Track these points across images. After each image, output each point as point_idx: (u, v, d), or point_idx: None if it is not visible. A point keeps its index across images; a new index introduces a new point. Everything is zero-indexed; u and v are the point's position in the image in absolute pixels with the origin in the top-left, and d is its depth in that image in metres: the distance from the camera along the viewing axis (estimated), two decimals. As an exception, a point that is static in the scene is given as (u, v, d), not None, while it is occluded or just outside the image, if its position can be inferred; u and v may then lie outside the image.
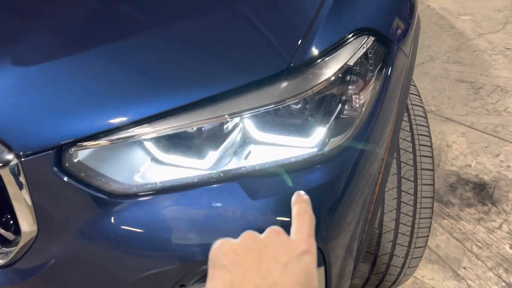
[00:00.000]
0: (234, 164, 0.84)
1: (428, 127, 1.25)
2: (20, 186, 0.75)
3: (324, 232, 0.87)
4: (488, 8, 3.94)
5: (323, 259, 0.88)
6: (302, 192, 0.63)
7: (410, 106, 1.26)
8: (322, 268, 0.89)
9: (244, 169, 0.83)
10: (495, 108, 2.63)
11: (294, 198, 0.62)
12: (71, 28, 0.81)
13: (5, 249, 0.87)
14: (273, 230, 0.53)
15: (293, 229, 0.56)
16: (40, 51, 0.76)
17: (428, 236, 1.26)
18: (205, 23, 0.82)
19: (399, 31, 1.04)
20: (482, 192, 2.05)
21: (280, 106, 0.85)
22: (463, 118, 2.56)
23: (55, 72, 0.75)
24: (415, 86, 1.35)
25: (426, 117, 1.26)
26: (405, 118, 1.23)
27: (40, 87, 0.74)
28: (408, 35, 1.07)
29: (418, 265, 1.32)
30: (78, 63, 0.76)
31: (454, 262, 1.73)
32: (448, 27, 3.67)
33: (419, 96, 1.31)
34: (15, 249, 0.83)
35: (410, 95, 1.29)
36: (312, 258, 0.52)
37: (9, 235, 0.85)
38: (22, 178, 0.74)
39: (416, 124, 1.23)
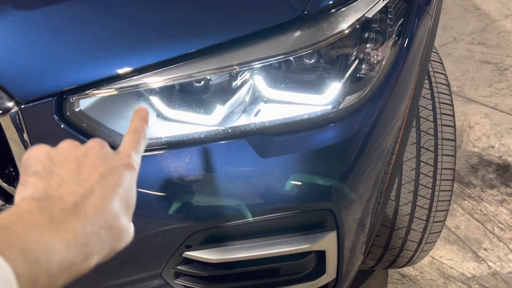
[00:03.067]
0: (243, 121, 0.80)
1: (450, 95, 1.19)
2: (21, 135, 0.72)
3: (335, 197, 0.82)
4: (516, -10, 3.78)
5: (335, 223, 0.84)
6: (142, 108, 0.59)
7: (432, 74, 1.19)
8: (334, 233, 0.84)
9: (253, 125, 0.79)
10: (521, 90, 2.52)
11: (133, 114, 0.58)
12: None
13: (8, 206, 0.85)
14: (96, 141, 0.50)
15: (121, 144, 0.52)
16: (41, -6, 0.73)
17: (447, 210, 1.20)
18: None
19: (422, -12, 0.97)
20: (505, 174, 1.97)
21: (292, 59, 0.81)
22: (487, 99, 2.46)
23: (56, 17, 0.72)
24: (438, 54, 1.29)
25: (448, 85, 1.20)
26: (426, 85, 1.16)
27: (41, 32, 0.71)
28: (431, -7, 1.00)
29: (436, 241, 1.27)
30: (80, 8, 0.72)
31: (474, 243, 1.67)
32: (473, 8, 3.54)
33: (442, 63, 1.25)
34: (18, 205, 0.81)
35: (432, 62, 1.22)
36: (133, 173, 0.50)
37: (12, 190, 0.82)
38: (22, 126, 0.71)
39: (438, 92, 1.17)
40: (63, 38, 0.71)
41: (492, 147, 2.12)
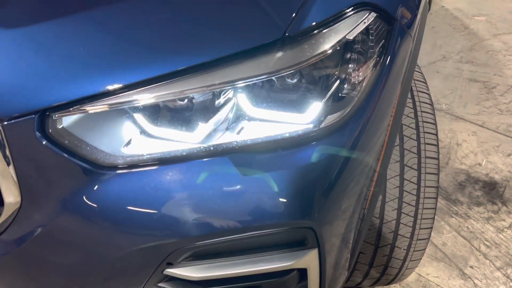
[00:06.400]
0: (225, 139, 0.81)
1: (434, 114, 1.20)
2: (3, 152, 0.73)
3: (317, 215, 0.83)
4: (504, 10, 3.86)
5: (316, 241, 0.84)
6: None
7: (415, 93, 1.21)
8: (316, 251, 0.85)
9: (235, 143, 0.80)
10: (508, 108, 2.56)
11: None
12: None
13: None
14: None
15: None
16: (26, 14, 0.75)
17: (431, 227, 1.21)
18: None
19: (404, 11, 1.00)
20: (492, 191, 1.98)
21: (275, 78, 0.82)
22: (474, 117, 2.50)
23: (40, 35, 0.73)
24: (422, 73, 1.31)
25: (432, 104, 1.22)
26: (410, 104, 1.18)
27: (25, 51, 0.72)
28: (412, 15, 1.03)
29: (421, 258, 1.27)
30: (64, 27, 0.73)
31: (460, 260, 1.67)
32: (461, 28, 3.60)
33: (426, 83, 1.27)
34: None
35: (416, 81, 1.24)
36: None
37: (-7, 206, 0.82)
38: (4, 143, 0.72)
39: (421, 111, 1.19)
40: (46, 57, 0.72)
41: (479, 164, 2.14)
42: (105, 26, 0.74)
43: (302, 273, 0.89)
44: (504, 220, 1.84)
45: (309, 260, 0.85)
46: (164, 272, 0.83)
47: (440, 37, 3.46)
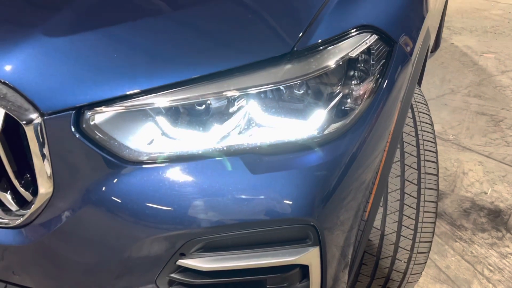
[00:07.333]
0: (237, 141, 0.90)
1: (433, 134, 1.28)
2: (42, 144, 0.82)
3: (319, 212, 0.90)
4: (513, 48, 3.96)
5: (318, 239, 0.91)
6: None
7: (416, 113, 1.30)
8: (317, 249, 0.91)
9: (246, 145, 0.88)
10: (515, 140, 2.61)
11: None
12: (97, 6, 0.90)
13: (23, 211, 0.93)
14: None
15: None
16: (68, 25, 0.86)
17: (431, 242, 1.26)
18: (218, 5, 0.90)
19: (405, 35, 1.09)
20: (496, 219, 2.02)
21: (283, 89, 0.91)
22: (481, 148, 2.55)
23: (80, 43, 0.84)
24: (423, 96, 1.39)
25: (432, 125, 1.29)
26: (411, 124, 1.26)
27: (66, 55, 0.82)
28: (413, 40, 1.12)
29: (421, 272, 1.32)
30: (98, 38, 0.84)
31: (463, 283, 1.70)
32: (470, 64, 3.71)
33: (427, 105, 1.35)
34: (31, 210, 0.90)
35: (417, 103, 1.33)
36: None
37: (28, 196, 0.91)
38: (44, 136, 0.81)
39: (422, 130, 1.27)
40: (84, 61, 0.82)
41: (485, 193, 2.19)
42: (136, 38, 0.85)
43: (305, 272, 0.95)
44: (508, 246, 1.87)
45: (311, 257, 0.91)
46: (177, 263, 0.90)
47: (449, 72, 3.56)
